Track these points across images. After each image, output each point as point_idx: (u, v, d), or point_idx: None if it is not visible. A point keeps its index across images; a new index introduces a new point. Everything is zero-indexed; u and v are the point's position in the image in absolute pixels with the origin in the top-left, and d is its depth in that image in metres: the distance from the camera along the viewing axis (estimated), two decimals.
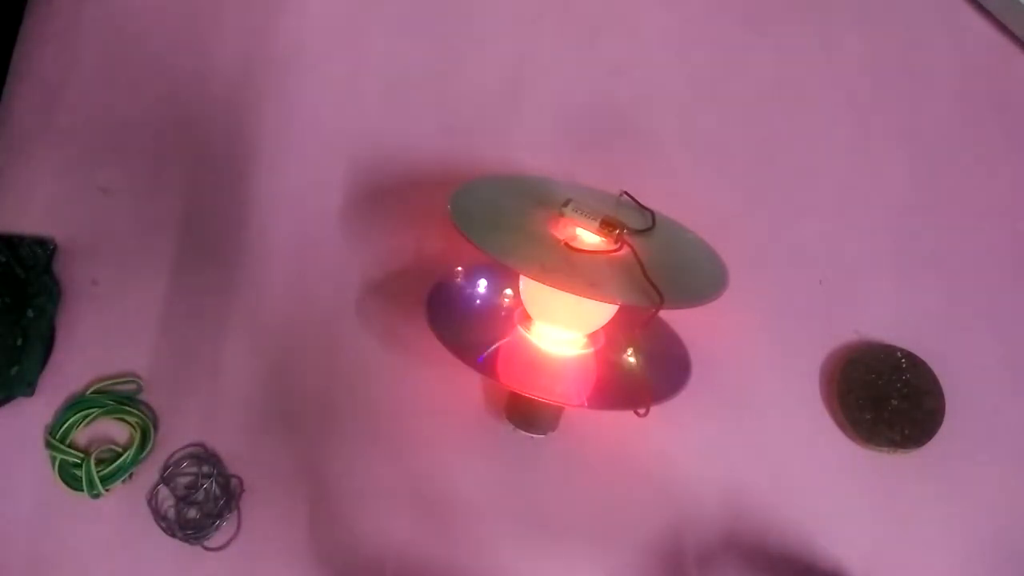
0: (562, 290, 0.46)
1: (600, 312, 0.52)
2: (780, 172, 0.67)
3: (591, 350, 0.54)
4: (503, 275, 0.57)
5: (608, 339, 0.55)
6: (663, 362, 0.56)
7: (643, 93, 0.70)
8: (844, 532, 0.56)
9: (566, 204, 0.52)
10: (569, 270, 0.48)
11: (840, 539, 0.56)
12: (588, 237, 0.51)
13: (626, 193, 0.58)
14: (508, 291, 0.57)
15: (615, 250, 0.50)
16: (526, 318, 0.55)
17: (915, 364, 0.60)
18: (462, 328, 0.55)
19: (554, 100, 0.69)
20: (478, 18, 0.72)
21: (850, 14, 0.73)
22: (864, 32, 0.73)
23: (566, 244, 0.50)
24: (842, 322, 0.62)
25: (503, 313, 0.56)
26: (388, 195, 0.65)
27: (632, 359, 0.53)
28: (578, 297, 0.46)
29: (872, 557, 0.56)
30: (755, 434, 0.59)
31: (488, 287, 0.57)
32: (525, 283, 0.53)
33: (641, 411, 0.49)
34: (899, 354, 0.60)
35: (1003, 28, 0.72)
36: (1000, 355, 0.61)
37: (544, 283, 0.47)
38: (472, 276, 0.57)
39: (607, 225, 0.50)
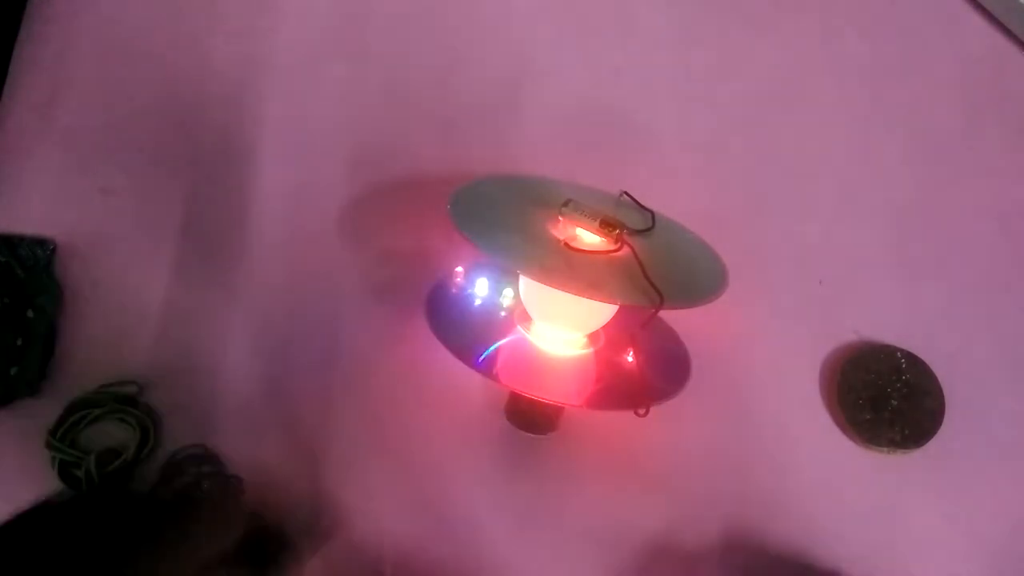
0: (562, 290, 0.46)
1: (600, 312, 0.52)
2: (780, 172, 0.67)
3: (591, 350, 0.54)
4: (503, 275, 0.57)
5: (608, 339, 0.55)
6: (663, 362, 0.55)
7: (643, 93, 0.70)
8: (844, 532, 0.56)
9: (566, 204, 0.52)
10: (569, 270, 0.48)
11: (840, 539, 0.56)
12: (588, 237, 0.51)
13: (626, 193, 0.58)
14: (508, 291, 0.57)
15: (615, 250, 0.50)
16: (526, 318, 0.55)
17: (915, 364, 0.60)
18: (462, 328, 0.55)
19: (554, 100, 0.69)
20: (478, 18, 0.72)
21: (850, 14, 0.73)
22: (864, 32, 0.72)
23: (566, 244, 0.50)
24: (842, 322, 0.62)
25: (503, 313, 0.56)
26: (388, 195, 0.65)
27: (632, 359, 0.53)
28: (578, 297, 0.46)
29: (872, 557, 0.56)
30: (755, 434, 0.59)
31: (488, 287, 0.57)
32: (525, 283, 0.53)
33: (641, 411, 0.49)
34: (899, 354, 0.60)
35: (1003, 28, 0.72)
36: (1000, 355, 0.61)
37: (544, 283, 0.47)
38: (472, 276, 0.57)
39: (607, 225, 0.50)
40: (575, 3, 0.73)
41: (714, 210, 0.63)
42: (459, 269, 0.57)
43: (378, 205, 0.65)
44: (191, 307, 0.60)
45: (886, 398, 0.59)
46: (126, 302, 0.60)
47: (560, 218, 0.52)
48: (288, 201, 0.64)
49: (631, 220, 0.53)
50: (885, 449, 0.58)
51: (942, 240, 0.65)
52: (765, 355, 0.61)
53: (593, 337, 0.54)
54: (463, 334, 0.54)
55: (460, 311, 0.56)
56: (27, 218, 0.62)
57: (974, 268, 0.64)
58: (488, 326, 0.55)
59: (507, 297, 0.57)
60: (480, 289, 0.57)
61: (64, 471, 0.55)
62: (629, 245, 0.50)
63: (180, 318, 0.60)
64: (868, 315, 0.62)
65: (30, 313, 0.58)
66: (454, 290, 0.56)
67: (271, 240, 0.63)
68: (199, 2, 0.71)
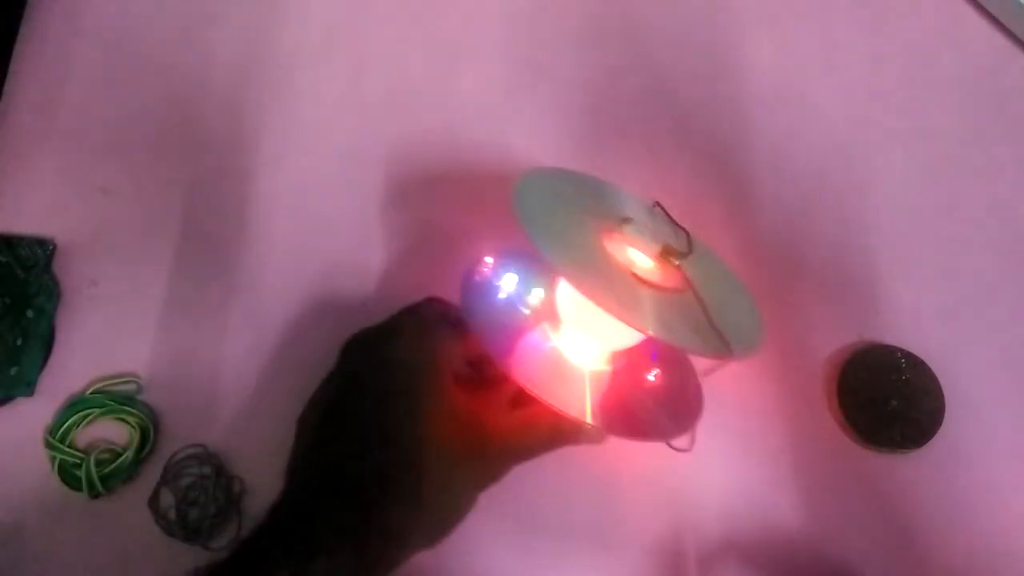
0: (637, 330, 0.43)
1: (635, 336, 0.49)
2: (779, 172, 0.67)
3: (611, 368, 0.52)
4: (534, 273, 0.53)
5: (629, 360, 0.52)
6: (676, 388, 0.53)
7: (642, 92, 0.70)
8: (844, 532, 0.56)
9: (626, 221, 0.48)
10: (637, 305, 0.44)
11: (840, 539, 0.56)
12: (644, 262, 0.48)
13: (659, 204, 0.54)
14: (537, 291, 0.53)
15: (680, 289, 0.46)
16: (552, 320, 0.51)
17: (915, 364, 0.60)
18: (483, 320, 0.51)
19: (553, 100, 0.69)
20: (478, 17, 0.72)
21: (850, 15, 0.73)
22: (864, 32, 0.73)
23: (634, 275, 0.46)
24: (842, 322, 0.62)
25: (527, 311, 0.53)
26: (388, 195, 0.65)
27: (654, 379, 0.52)
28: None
29: (871, 558, 0.56)
30: (754, 434, 0.59)
31: (516, 283, 0.53)
32: (568, 291, 0.49)
33: (679, 447, 0.48)
34: (899, 354, 0.60)
35: (1003, 28, 0.72)
36: (1000, 355, 0.62)
37: (621, 320, 0.42)
38: (500, 269, 0.53)
39: (666, 253, 0.48)
40: (575, 3, 0.73)
41: (713, 210, 0.63)
42: (488, 260, 0.54)
43: (379, 205, 0.65)
44: (191, 307, 0.60)
45: (886, 398, 0.59)
46: (126, 302, 0.60)
47: (618, 235, 0.49)
48: (288, 201, 0.64)
49: (671, 238, 0.50)
50: (885, 449, 0.58)
51: (943, 240, 0.65)
52: (765, 355, 0.61)
53: (617, 356, 0.52)
54: (484, 327, 0.50)
55: (482, 303, 0.52)
56: (27, 218, 0.62)
57: (974, 268, 0.64)
58: (510, 322, 0.52)
59: (535, 296, 0.53)
60: (507, 284, 0.53)
61: (64, 471, 0.55)
62: (690, 282, 0.47)
63: (180, 318, 0.60)
64: (868, 315, 0.62)
65: (30, 313, 0.58)
66: (478, 279, 0.53)
67: (271, 239, 0.63)
68: (200, 2, 0.71)
